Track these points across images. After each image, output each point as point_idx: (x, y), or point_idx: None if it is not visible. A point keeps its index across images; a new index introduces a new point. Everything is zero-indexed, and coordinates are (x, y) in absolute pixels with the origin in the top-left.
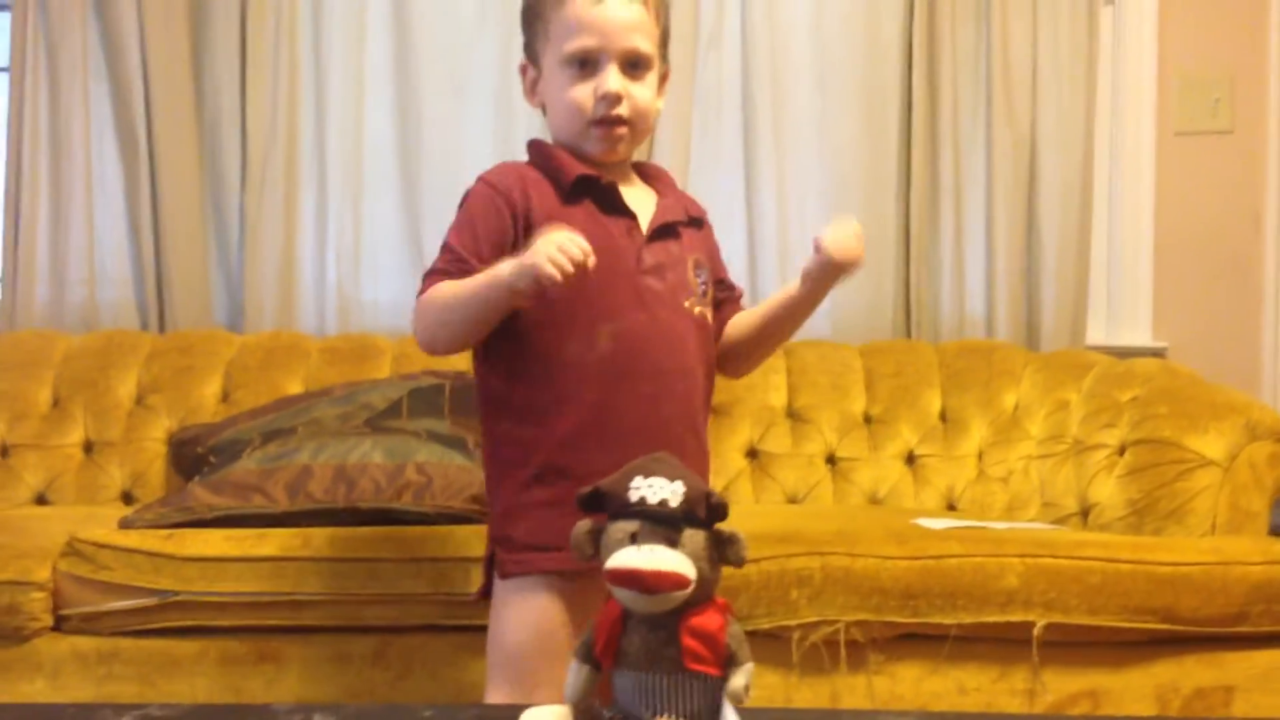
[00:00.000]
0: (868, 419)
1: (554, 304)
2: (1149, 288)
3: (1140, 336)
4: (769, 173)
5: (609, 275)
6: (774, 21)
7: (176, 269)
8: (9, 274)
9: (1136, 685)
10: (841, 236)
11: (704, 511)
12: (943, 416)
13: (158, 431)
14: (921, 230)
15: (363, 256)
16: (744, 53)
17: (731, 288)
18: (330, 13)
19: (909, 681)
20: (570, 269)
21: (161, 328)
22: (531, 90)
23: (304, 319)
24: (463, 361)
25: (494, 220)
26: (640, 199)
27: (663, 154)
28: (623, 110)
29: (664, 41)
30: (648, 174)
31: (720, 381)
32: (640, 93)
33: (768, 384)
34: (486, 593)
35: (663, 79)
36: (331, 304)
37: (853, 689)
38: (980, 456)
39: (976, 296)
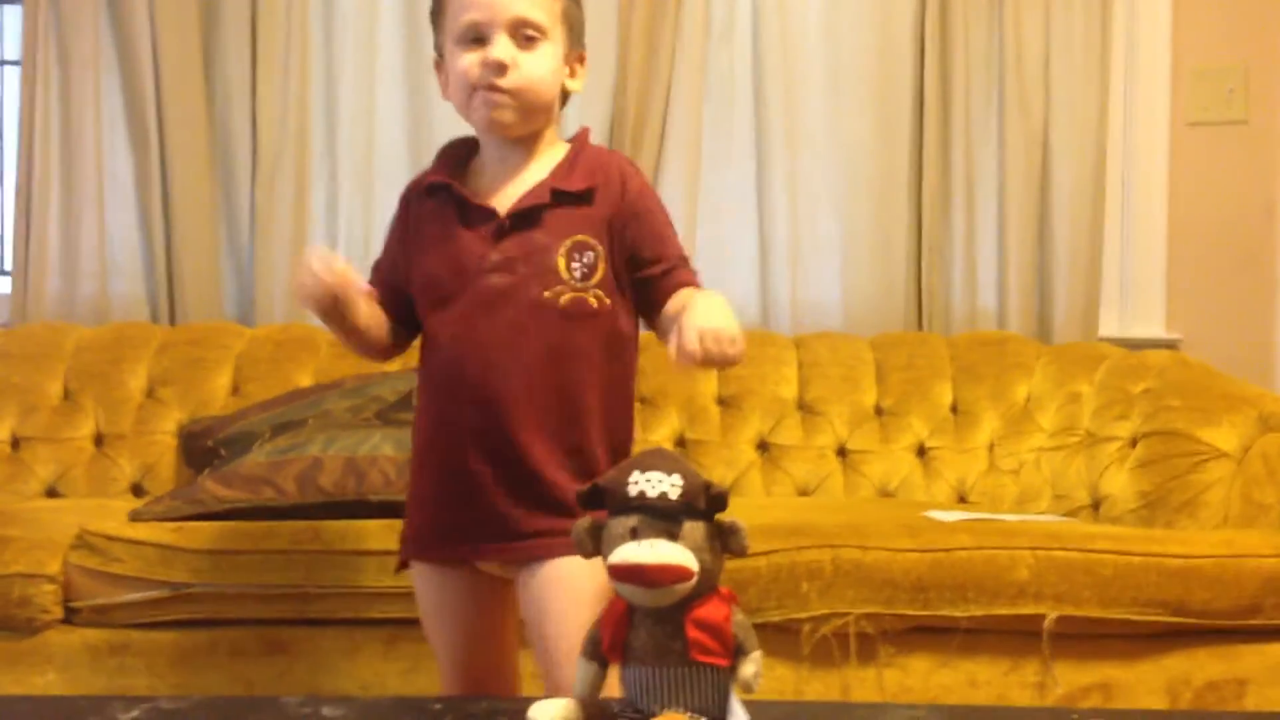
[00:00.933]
0: (879, 411)
1: (423, 307)
2: (1162, 279)
3: (1153, 328)
4: (780, 169)
5: (454, 280)
6: (786, 16)
7: (187, 262)
8: (20, 267)
9: (1148, 678)
10: (696, 340)
11: (704, 503)
12: (954, 409)
13: (168, 424)
14: (933, 223)
15: (373, 250)
16: (755, 48)
17: (664, 261)
18: (341, 6)
19: (919, 674)
20: (308, 294)
21: (172, 320)
22: (443, 86)
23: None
24: None
25: (393, 233)
26: (520, 184)
27: (674, 150)
28: (507, 80)
29: (572, 24)
30: (576, 139)
31: (730, 373)
32: (531, 62)
33: (779, 376)
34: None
35: (579, 60)
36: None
37: (863, 682)
38: (991, 449)
39: (988, 288)
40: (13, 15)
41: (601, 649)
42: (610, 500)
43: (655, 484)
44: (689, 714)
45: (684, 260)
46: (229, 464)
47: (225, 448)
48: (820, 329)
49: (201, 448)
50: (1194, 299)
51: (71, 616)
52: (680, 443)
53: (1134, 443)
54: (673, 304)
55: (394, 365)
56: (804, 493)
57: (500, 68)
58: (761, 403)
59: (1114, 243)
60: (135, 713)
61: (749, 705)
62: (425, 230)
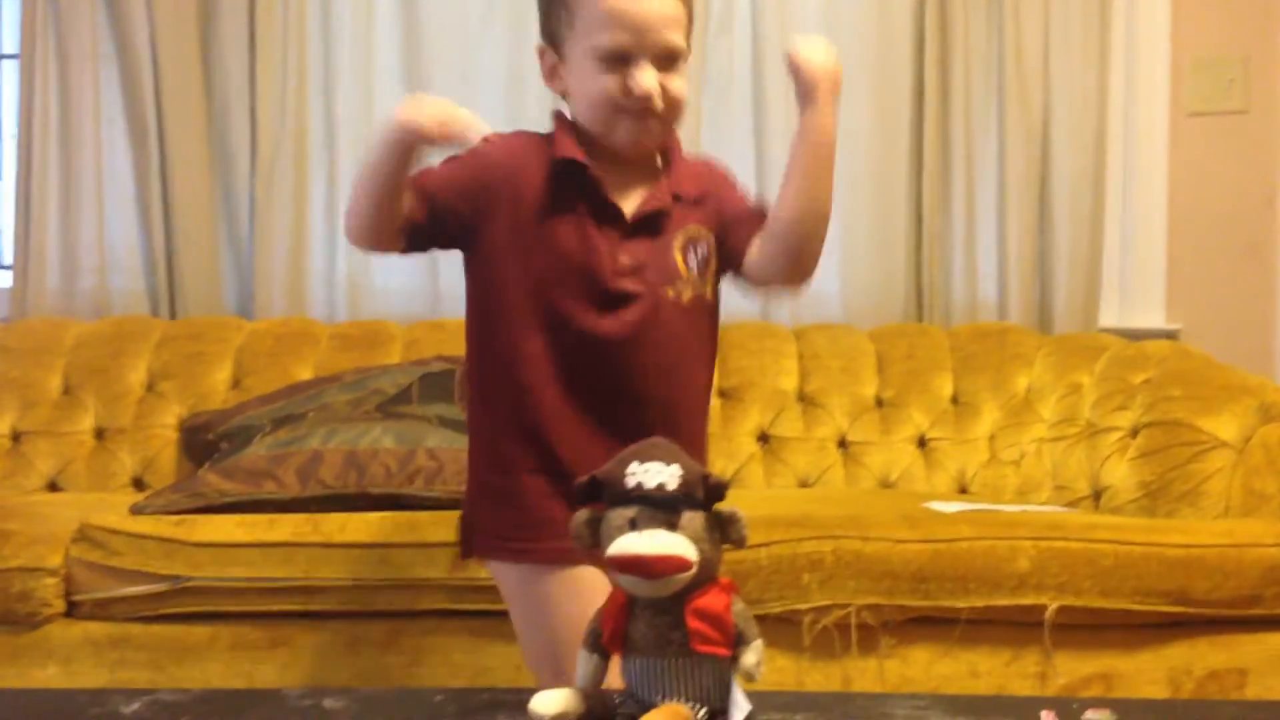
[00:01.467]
0: (879, 403)
1: (527, 294)
2: (1162, 270)
3: (1153, 319)
4: (779, 161)
5: (580, 276)
6: (784, 8)
7: (187, 256)
8: (20, 261)
9: (1149, 668)
10: (809, 48)
11: (702, 493)
12: (954, 400)
13: (169, 418)
14: (934, 214)
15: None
16: (754, 39)
17: (750, 215)
18: (339, 1)
19: (920, 665)
20: (434, 123)
21: (172, 314)
22: (551, 75)
23: (314, 305)
24: None
25: (463, 170)
26: (640, 189)
27: None
28: (654, 104)
29: (691, 30)
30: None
31: (730, 365)
32: (674, 85)
33: (779, 368)
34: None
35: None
36: (342, 290)
37: (864, 672)
38: (992, 440)
39: (988, 280)
40: (10, 9)
41: (602, 640)
42: (608, 492)
43: (653, 475)
44: (690, 704)
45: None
46: (229, 457)
47: (226, 441)
48: (820, 320)
49: (202, 441)
50: (1194, 289)
51: (73, 610)
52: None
53: (1135, 433)
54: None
55: (394, 358)
56: (805, 484)
57: (648, 99)
58: (762, 394)
59: (1114, 233)
60: (136, 705)
61: (751, 695)
62: (544, 205)
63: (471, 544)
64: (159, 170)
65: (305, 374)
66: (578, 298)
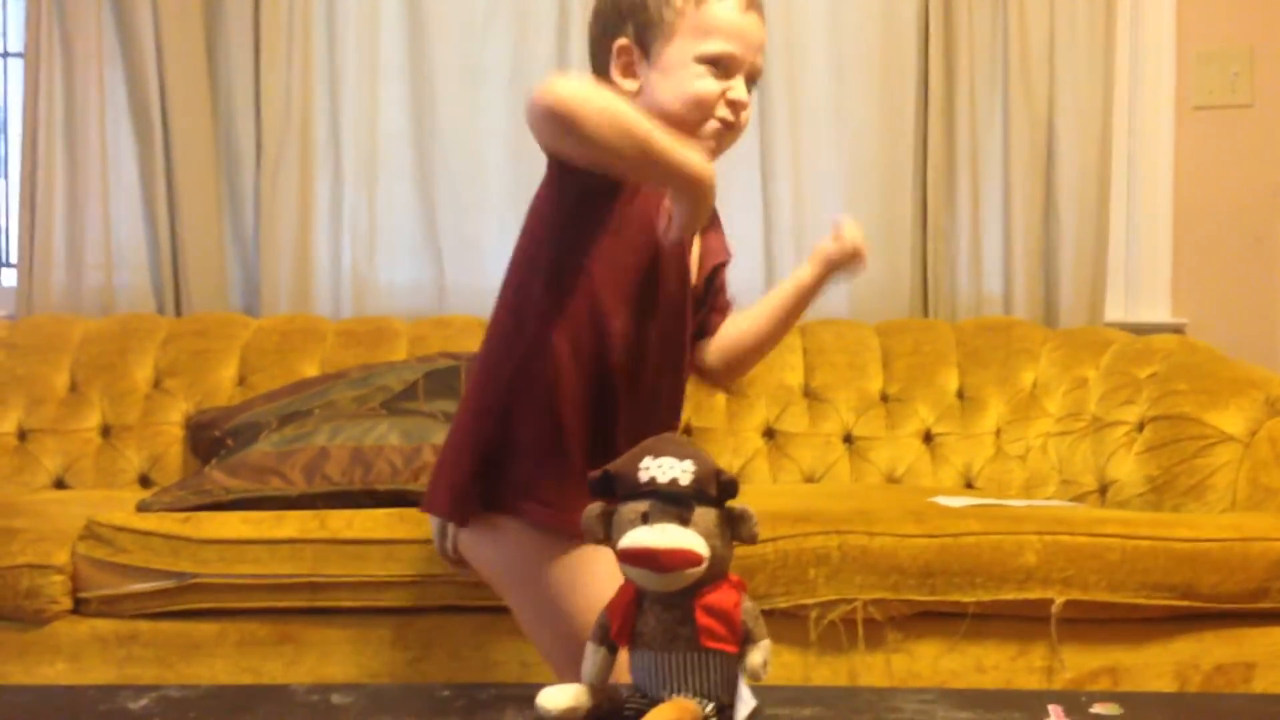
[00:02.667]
0: (885, 398)
1: (599, 284)
2: (1168, 264)
3: (1159, 313)
4: (785, 156)
5: (649, 275)
6: (791, 2)
7: (192, 253)
8: (26, 259)
9: (1156, 662)
10: (855, 231)
11: (715, 489)
12: (960, 395)
13: (175, 415)
14: (939, 208)
15: (378, 240)
16: None
17: (725, 296)
18: None
19: (927, 659)
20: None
21: (178, 311)
22: (626, 70)
23: (320, 302)
24: (479, 344)
25: None
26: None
27: None
28: (740, 121)
29: None
30: None
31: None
32: (751, 106)
33: (784, 363)
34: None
35: None
36: (347, 287)
37: (870, 667)
38: (998, 434)
39: (994, 274)
40: (16, 7)
41: (610, 634)
42: (621, 485)
43: (666, 470)
44: (698, 699)
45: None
46: (236, 454)
47: (232, 438)
48: (825, 315)
49: (208, 438)
50: (1200, 283)
51: (80, 607)
52: (687, 430)
53: (1141, 427)
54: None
55: (399, 355)
56: (811, 479)
57: (742, 109)
58: (767, 390)
59: (1119, 227)
60: (144, 701)
61: (757, 690)
62: (633, 197)
63: (472, 501)
64: (164, 168)
65: (311, 371)
66: (649, 307)
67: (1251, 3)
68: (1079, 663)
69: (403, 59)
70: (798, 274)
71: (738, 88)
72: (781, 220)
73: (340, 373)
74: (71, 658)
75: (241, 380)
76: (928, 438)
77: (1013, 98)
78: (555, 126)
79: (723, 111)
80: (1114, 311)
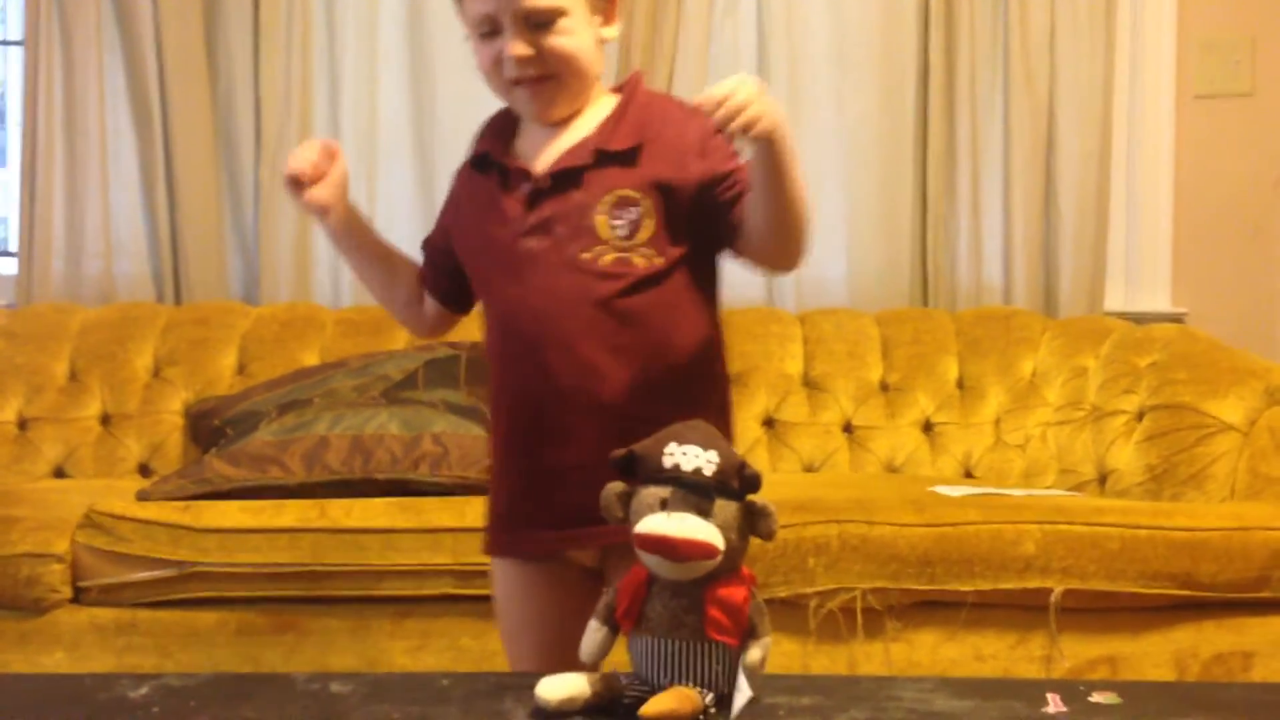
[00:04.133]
0: (885, 387)
1: (478, 284)
2: (1168, 253)
3: (1159, 302)
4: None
5: (491, 247)
6: None
7: (192, 241)
8: (25, 247)
9: (1155, 651)
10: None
11: (737, 482)
12: (960, 384)
13: (175, 404)
14: (939, 197)
15: (377, 228)
16: (759, 21)
17: (730, 181)
18: None
19: (926, 648)
20: (294, 171)
21: (177, 300)
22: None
23: (319, 290)
24: (478, 332)
25: (445, 210)
26: (562, 144)
27: None
28: (537, 68)
29: None
30: (623, 89)
31: (735, 350)
32: (557, 43)
33: (784, 352)
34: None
35: (610, 4)
36: (347, 276)
37: (870, 656)
38: (998, 424)
39: (994, 263)
40: None
41: (616, 614)
42: (643, 468)
43: (691, 458)
44: (698, 688)
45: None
46: (235, 443)
47: (232, 427)
48: (825, 305)
49: (208, 427)
50: (1200, 272)
51: (80, 596)
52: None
53: (1140, 416)
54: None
55: (399, 344)
56: (810, 469)
57: (520, 62)
58: (767, 379)
59: (1119, 216)
60: (144, 690)
61: (756, 681)
62: (471, 201)
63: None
64: (164, 156)
65: (311, 360)
66: (496, 269)
67: None
68: (1078, 652)
69: (402, 47)
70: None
71: (507, 44)
72: None
73: (340, 361)
74: (71, 646)
75: (241, 369)
76: (927, 427)
77: (1013, 86)
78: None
79: (499, 74)
80: (1114, 300)
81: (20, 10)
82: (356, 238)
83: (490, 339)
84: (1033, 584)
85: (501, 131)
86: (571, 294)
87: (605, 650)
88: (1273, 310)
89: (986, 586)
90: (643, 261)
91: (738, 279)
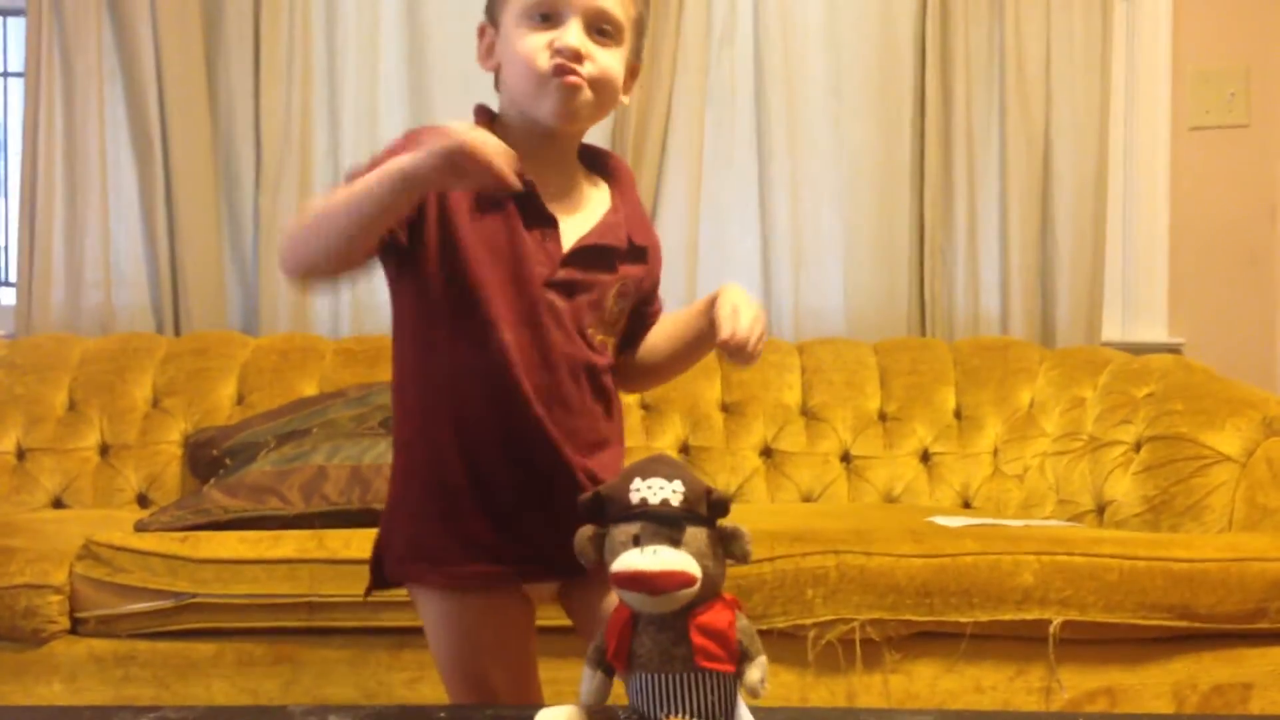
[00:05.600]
0: (882, 417)
1: (456, 304)
2: (1164, 283)
3: (1156, 332)
4: (782, 173)
5: (510, 281)
6: (787, 20)
7: (192, 272)
8: (25, 278)
9: (1154, 682)
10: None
11: (705, 509)
12: (958, 414)
13: (173, 434)
14: (935, 227)
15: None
16: (757, 51)
17: (656, 309)
18: (343, 15)
19: (925, 680)
20: (499, 169)
21: (177, 331)
22: (487, 53)
23: (318, 321)
24: None
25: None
26: (574, 202)
27: (675, 154)
28: (583, 68)
29: (640, 31)
30: (607, 169)
31: (733, 379)
32: (605, 59)
33: (782, 382)
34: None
35: (632, 73)
36: (345, 306)
37: (869, 688)
38: (995, 454)
39: (991, 293)
40: (16, 27)
41: (606, 657)
42: (611, 507)
43: (656, 491)
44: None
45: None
46: (234, 474)
47: (230, 457)
48: (823, 334)
49: (206, 457)
50: (1196, 303)
51: (77, 627)
52: (684, 449)
53: (1138, 447)
54: (661, 325)
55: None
56: (808, 499)
57: (576, 56)
58: (765, 409)
59: (1116, 247)
60: None
61: (755, 711)
62: (474, 210)
63: (383, 570)
64: (164, 187)
65: (309, 390)
66: (506, 299)
67: (1248, 23)
68: (1077, 683)
69: (402, 78)
70: (695, 317)
71: (566, 33)
72: (779, 238)
73: (338, 392)
74: (69, 678)
75: (240, 399)
76: (925, 457)
77: (1009, 117)
78: (292, 267)
79: (547, 61)
80: (1111, 331)
81: (21, 41)
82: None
83: (466, 361)
84: (1031, 615)
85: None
86: (577, 358)
87: (604, 694)
88: (1269, 340)
89: (985, 617)
90: (611, 355)
91: None
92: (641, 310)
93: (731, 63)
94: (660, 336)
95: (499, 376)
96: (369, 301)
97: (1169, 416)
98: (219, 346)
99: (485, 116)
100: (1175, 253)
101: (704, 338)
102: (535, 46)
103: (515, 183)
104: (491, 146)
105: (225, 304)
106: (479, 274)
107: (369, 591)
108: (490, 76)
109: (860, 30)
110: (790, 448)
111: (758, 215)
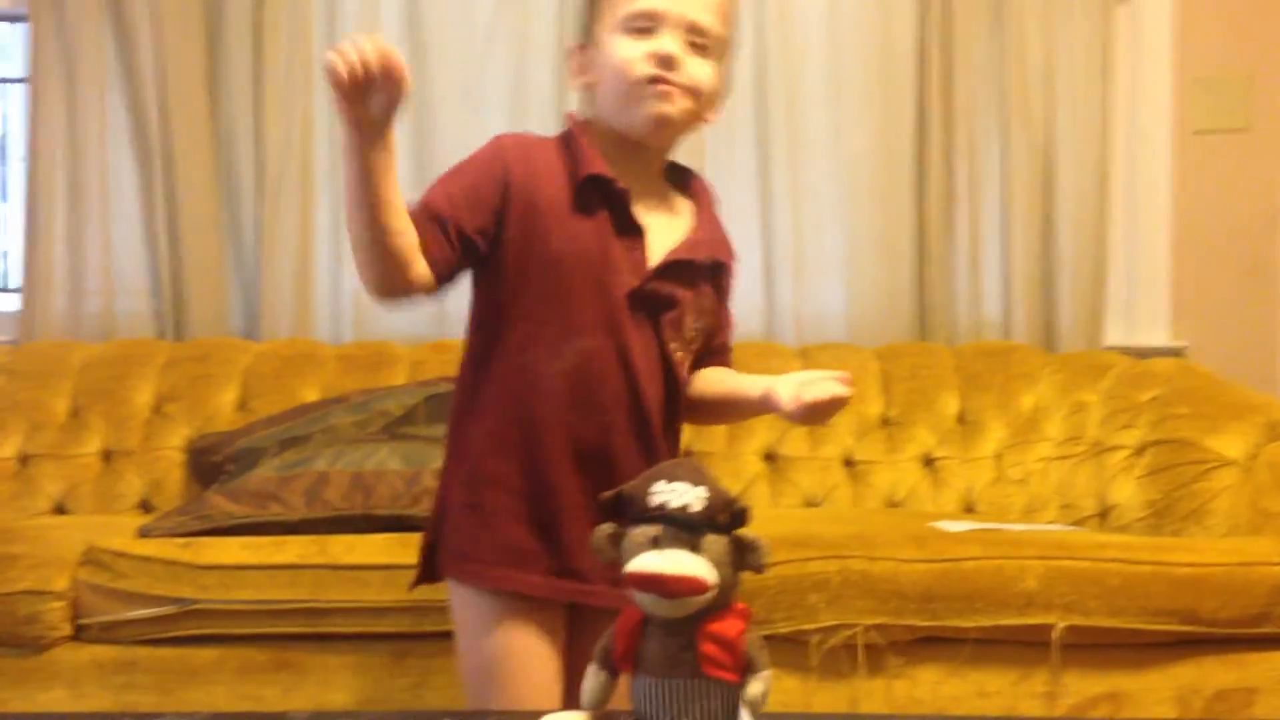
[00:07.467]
0: (885, 422)
1: (538, 305)
2: (1167, 287)
3: (1158, 336)
4: (783, 180)
5: (599, 294)
6: (787, 27)
7: (193, 278)
8: (27, 284)
9: (1157, 687)
10: (814, 401)
11: (726, 517)
12: (960, 419)
13: (175, 440)
14: (937, 233)
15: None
16: (757, 56)
17: (723, 340)
18: (344, 23)
19: (928, 685)
20: (351, 62)
21: (178, 336)
22: (580, 69)
23: (320, 326)
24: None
25: (481, 177)
26: (661, 216)
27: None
28: (679, 76)
29: (731, 52)
30: (690, 188)
31: None
32: (699, 69)
33: None
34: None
35: (720, 97)
36: (347, 311)
37: (871, 693)
38: (998, 458)
39: (993, 298)
40: (18, 33)
41: (613, 657)
42: (632, 508)
43: (679, 495)
44: None
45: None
46: (236, 479)
47: (232, 463)
48: (825, 340)
49: (208, 463)
50: (1199, 307)
51: (79, 633)
52: (686, 454)
53: (1141, 451)
54: (723, 372)
55: (399, 379)
56: (811, 504)
57: (670, 61)
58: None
59: (1118, 251)
60: None
61: (758, 716)
62: (566, 216)
63: (434, 566)
64: (165, 193)
65: (311, 395)
66: (590, 303)
67: (1250, 28)
68: (1080, 688)
69: None
70: (759, 391)
71: (663, 41)
72: (781, 244)
73: (340, 397)
74: (71, 684)
75: (242, 405)
76: (928, 462)
77: (1011, 122)
78: (372, 292)
79: (644, 68)
80: (1113, 335)
81: (23, 47)
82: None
83: (539, 362)
84: (1035, 620)
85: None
86: (652, 373)
87: (607, 695)
88: (1272, 344)
89: (988, 622)
90: (688, 372)
91: (740, 315)
92: (710, 330)
93: (733, 69)
94: (715, 379)
95: (578, 383)
96: (370, 307)
97: (1172, 421)
98: (220, 352)
99: (581, 126)
100: (1178, 257)
101: (755, 407)
102: (633, 55)
103: (394, 64)
104: (354, 48)
105: (226, 309)
106: (566, 280)
107: (414, 585)
108: (491, 88)
109: (861, 37)
110: (793, 452)
111: (759, 222)
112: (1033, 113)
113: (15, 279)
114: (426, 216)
